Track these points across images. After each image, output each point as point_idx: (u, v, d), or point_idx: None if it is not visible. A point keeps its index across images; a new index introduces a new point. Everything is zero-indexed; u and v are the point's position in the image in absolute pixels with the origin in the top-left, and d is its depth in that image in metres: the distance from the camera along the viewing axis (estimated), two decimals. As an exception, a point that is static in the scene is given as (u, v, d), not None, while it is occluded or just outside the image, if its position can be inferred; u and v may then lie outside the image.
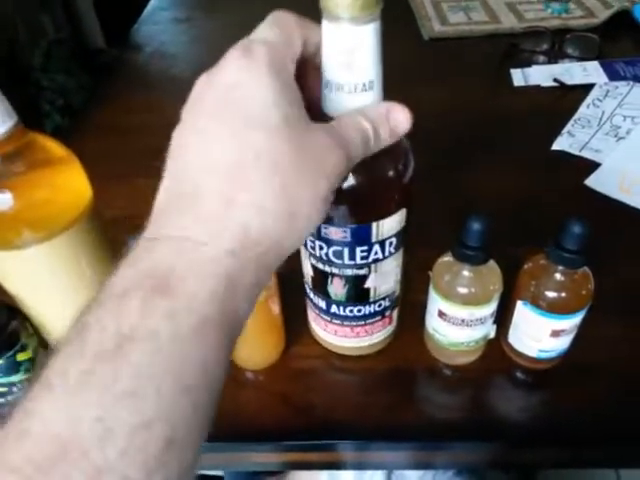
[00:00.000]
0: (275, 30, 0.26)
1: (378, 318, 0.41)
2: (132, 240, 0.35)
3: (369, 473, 0.54)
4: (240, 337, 0.42)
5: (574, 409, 0.41)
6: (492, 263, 0.39)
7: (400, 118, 0.28)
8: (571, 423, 0.40)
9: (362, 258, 0.35)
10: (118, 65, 0.93)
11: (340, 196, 0.32)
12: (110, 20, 1.94)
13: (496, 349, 0.44)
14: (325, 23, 0.27)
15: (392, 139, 0.28)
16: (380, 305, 0.40)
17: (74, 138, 0.71)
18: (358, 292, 0.38)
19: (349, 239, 0.34)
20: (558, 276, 0.37)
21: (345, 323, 0.41)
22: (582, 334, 0.41)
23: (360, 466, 0.50)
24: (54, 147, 0.35)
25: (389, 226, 0.34)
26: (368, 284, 0.38)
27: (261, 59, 0.24)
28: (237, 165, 0.23)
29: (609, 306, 0.43)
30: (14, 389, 0.38)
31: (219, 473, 0.94)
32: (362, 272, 0.37)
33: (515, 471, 0.55)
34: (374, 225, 0.33)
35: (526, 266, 0.40)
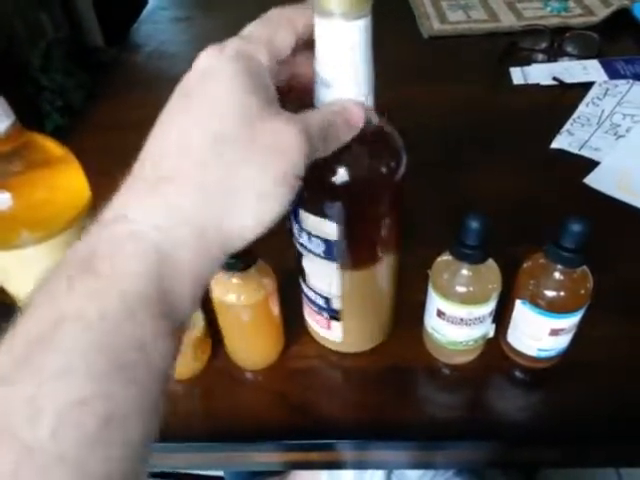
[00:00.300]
0: (258, 27, 0.27)
1: (318, 311, 0.42)
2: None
3: (369, 472, 0.54)
4: (239, 337, 0.42)
5: (573, 408, 0.41)
6: (491, 262, 0.39)
7: (355, 110, 0.29)
8: (570, 422, 0.40)
9: (297, 235, 0.37)
10: (118, 64, 0.93)
11: (331, 192, 0.32)
12: (109, 19, 1.94)
13: (495, 348, 0.44)
14: (317, 19, 0.27)
15: (349, 130, 0.29)
16: (316, 298, 0.40)
17: (73, 137, 0.71)
18: (299, 268, 0.39)
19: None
20: (557, 275, 0.37)
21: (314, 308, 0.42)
22: (581, 333, 0.41)
23: (360, 465, 0.50)
24: (52, 147, 0.35)
25: (313, 224, 0.34)
26: (304, 263, 0.39)
27: (229, 51, 0.25)
28: (185, 146, 0.24)
29: (608, 305, 0.43)
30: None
31: (219, 473, 0.94)
32: (298, 248, 0.38)
33: (515, 471, 0.55)
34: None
35: (525, 265, 0.40)
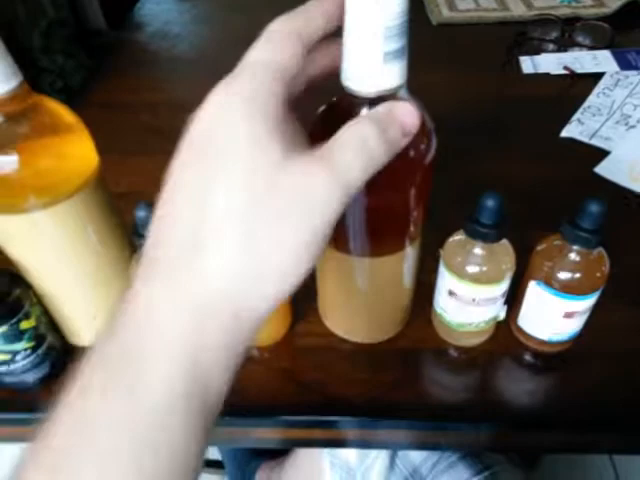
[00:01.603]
0: (264, 51, 0.24)
1: None
2: (139, 210, 0.35)
3: (373, 455, 0.54)
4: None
5: (581, 394, 0.40)
6: (505, 242, 0.38)
7: (406, 112, 0.26)
8: (578, 408, 0.40)
9: None
10: (120, 44, 0.92)
11: None
12: (110, 1, 1.92)
13: (505, 332, 0.44)
14: None
15: (405, 140, 0.26)
16: None
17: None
18: None
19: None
20: (573, 256, 0.36)
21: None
22: (592, 320, 0.40)
23: (364, 445, 0.49)
24: (62, 112, 0.34)
25: None
26: None
27: (239, 93, 0.23)
28: (199, 223, 0.21)
29: (620, 293, 0.43)
30: (17, 357, 0.37)
31: (217, 457, 0.94)
32: None
33: (517, 457, 0.55)
34: None
35: (539, 247, 0.39)
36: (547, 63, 0.77)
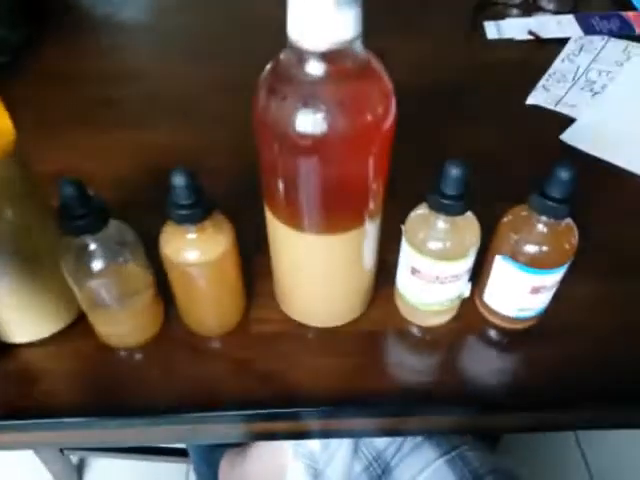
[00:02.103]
0: None
1: None
2: (65, 187, 0.31)
3: (336, 441, 0.52)
4: (194, 300, 0.38)
5: (549, 371, 0.39)
6: (470, 215, 0.36)
7: None
8: (545, 386, 0.38)
9: None
10: (61, 10, 0.85)
11: (310, 144, 0.28)
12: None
13: (470, 309, 0.42)
14: None
15: None
16: None
17: (6, 84, 0.64)
18: None
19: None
20: (540, 227, 0.34)
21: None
22: (559, 295, 0.39)
23: (327, 434, 0.47)
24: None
25: None
26: None
27: None
28: None
29: (585, 266, 0.41)
30: None
31: (182, 446, 0.91)
32: None
33: (480, 436, 0.54)
34: None
35: (505, 219, 0.37)
36: (511, 28, 0.74)
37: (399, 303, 0.41)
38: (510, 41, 0.72)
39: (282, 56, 0.29)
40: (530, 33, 0.72)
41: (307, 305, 0.40)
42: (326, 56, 0.27)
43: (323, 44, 0.26)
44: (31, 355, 0.39)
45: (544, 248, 0.35)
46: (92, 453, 1.04)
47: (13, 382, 0.38)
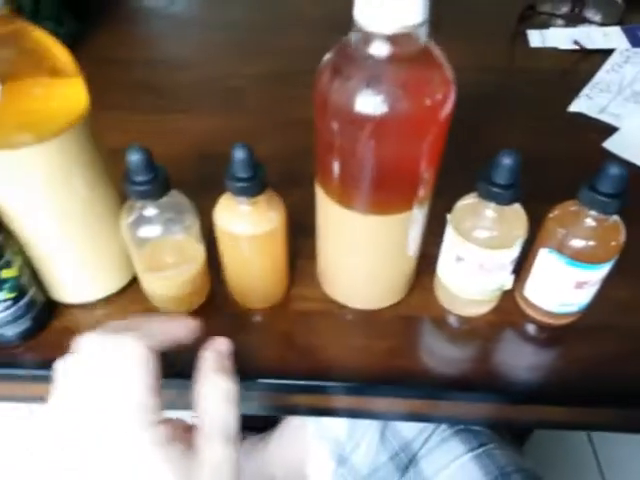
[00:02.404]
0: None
1: None
2: (131, 154, 0.32)
3: (362, 428, 0.53)
4: (241, 271, 0.40)
5: (584, 369, 0.39)
6: (518, 206, 0.36)
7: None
8: (579, 383, 0.38)
9: None
10: (115, 2, 0.88)
11: (370, 124, 0.29)
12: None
13: (509, 302, 0.42)
14: None
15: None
16: None
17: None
18: None
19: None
20: (589, 221, 0.35)
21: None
22: (599, 293, 0.39)
23: (358, 413, 0.47)
24: (50, 43, 0.31)
25: None
26: None
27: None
28: None
29: (626, 266, 0.41)
30: (-4, 308, 0.35)
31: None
32: None
33: (509, 435, 0.54)
34: None
35: (553, 213, 0.37)
36: (556, 37, 0.74)
37: (439, 291, 0.42)
38: (554, 50, 0.73)
39: (348, 38, 0.30)
40: (575, 43, 0.72)
41: (349, 286, 0.41)
42: (392, 39, 0.28)
43: (391, 27, 0.27)
44: (81, 316, 0.41)
45: (591, 243, 0.35)
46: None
47: (61, 339, 0.40)
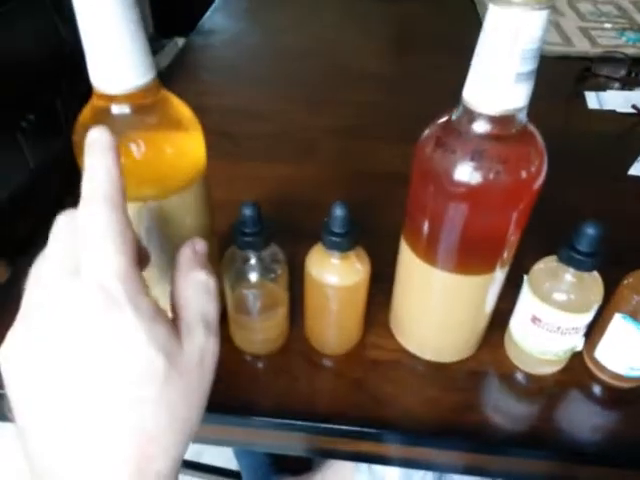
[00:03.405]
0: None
1: None
2: (245, 208, 0.35)
3: (416, 478, 0.53)
4: (324, 319, 0.42)
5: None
6: (595, 272, 0.38)
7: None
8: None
9: None
10: (188, 50, 0.94)
11: (469, 194, 0.32)
12: (161, 9, 1.97)
13: (579, 363, 0.43)
14: (498, 9, 0.27)
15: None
16: None
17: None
18: None
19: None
20: (665, 292, 0.36)
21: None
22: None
23: (415, 464, 0.49)
24: (182, 108, 0.35)
25: None
26: None
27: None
28: None
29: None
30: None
31: (235, 468, 0.93)
32: None
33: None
34: None
35: (626, 281, 0.39)
36: (613, 100, 0.77)
37: (510, 349, 0.44)
38: (611, 112, 0.75)
39: (453, 115, 0.33)
40: (633, 107, 0.74)
41: (423, 338, 0.43)
42: (496, 120, 0.31)
43: (498, 109, 0.30)
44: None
45: (666, 311, 0.37)
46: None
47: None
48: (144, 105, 0.32)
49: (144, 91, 0.31)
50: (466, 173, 0.31)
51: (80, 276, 0.23)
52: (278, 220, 0.51)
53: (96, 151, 0.25)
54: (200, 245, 0.30)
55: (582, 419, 0.42)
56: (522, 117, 0.31)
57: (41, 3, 0.87)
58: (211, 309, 0.28)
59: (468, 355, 0.44)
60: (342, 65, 0.88)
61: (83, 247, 0.24)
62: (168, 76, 0.86)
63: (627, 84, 0.80)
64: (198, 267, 0.28)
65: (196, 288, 0.28)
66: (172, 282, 0.28)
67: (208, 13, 1.02)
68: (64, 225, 0.26)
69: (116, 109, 0.31)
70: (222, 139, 0.70)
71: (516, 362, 0.43)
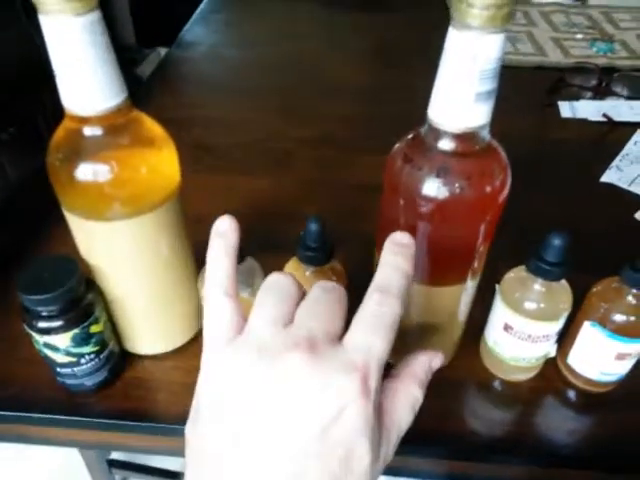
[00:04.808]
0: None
1: None
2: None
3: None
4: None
5: (623, 436, 0.41)
6: (564, 281, 0.39)
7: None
8: (617, 450, 0.40)
9: None
10: (169, 63, 0.95)
11: (436, 208, 0.32)
12: (142, 19, 1.97)
13: (552, 369, 0.44)
14: (456, 32, 0.28)
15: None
16: None
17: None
18: None
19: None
20: (630, 298, 0.37)
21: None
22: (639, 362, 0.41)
23: (396, 472, 0.49)
24: (155, 127, 0.36)
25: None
26: None
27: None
28: None
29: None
30: (82, 360, 0.38)
31: None
32: None
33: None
34: None
35: (595, 288, 0.40)
36: (585, 109, 0.79)
37: (486, 356, 0.44)
38: (584, 121, 0.77)
39: (417, 132, 0.34)
40: (604, 115, 0.76)
41: (399, 350, 0.44)
42: (459, 137, 0.32)
43: (460, 127, 0.31)
44: (152, 366, 0.44)
45: (632, 318, 0.38)
46: (134, 473, 1.07)
47: (131, 389, 0.43)
48: (116, 125, 0.33)
49: (115, 112, 0.32)
50: (432, 189, 0.32)
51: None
52: (256, 233, 0.52)
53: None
54: (436, 361, 0.30)
55: (558, 424, 0.43)
56: (485, 134, 0.32)
57: (13, 12, 0.87)
58: (408, 427, 0.29)
59: (445, 364, 0.45)
60: (321, 77, 0.89)
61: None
62: (148, 89, 0.87)
63: (598, 93, 0.82)
64: (422, 382, 0.29)
65: (407, 401, 0.29)
66: (391, 380, 0.29)
67: (188, 25, 1.03)
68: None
69: (88, 131, 0.32)
70: (200, 151, 0.70)
71: (492, 369, 0.44)
